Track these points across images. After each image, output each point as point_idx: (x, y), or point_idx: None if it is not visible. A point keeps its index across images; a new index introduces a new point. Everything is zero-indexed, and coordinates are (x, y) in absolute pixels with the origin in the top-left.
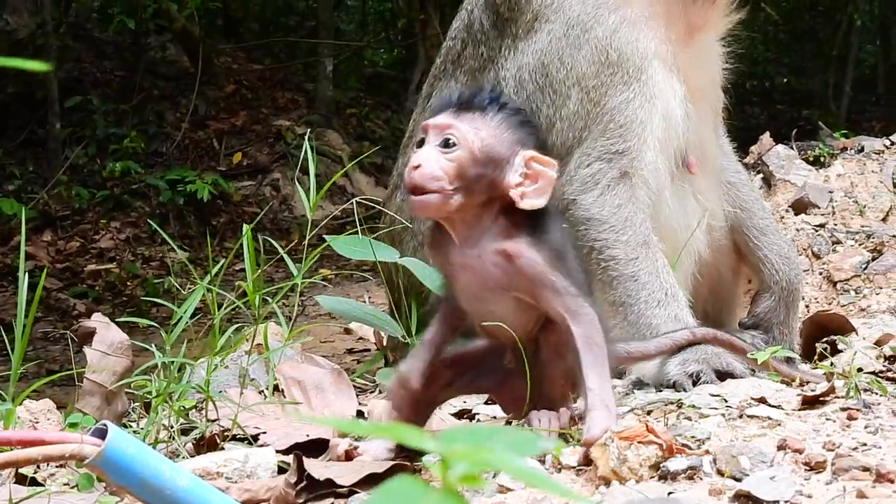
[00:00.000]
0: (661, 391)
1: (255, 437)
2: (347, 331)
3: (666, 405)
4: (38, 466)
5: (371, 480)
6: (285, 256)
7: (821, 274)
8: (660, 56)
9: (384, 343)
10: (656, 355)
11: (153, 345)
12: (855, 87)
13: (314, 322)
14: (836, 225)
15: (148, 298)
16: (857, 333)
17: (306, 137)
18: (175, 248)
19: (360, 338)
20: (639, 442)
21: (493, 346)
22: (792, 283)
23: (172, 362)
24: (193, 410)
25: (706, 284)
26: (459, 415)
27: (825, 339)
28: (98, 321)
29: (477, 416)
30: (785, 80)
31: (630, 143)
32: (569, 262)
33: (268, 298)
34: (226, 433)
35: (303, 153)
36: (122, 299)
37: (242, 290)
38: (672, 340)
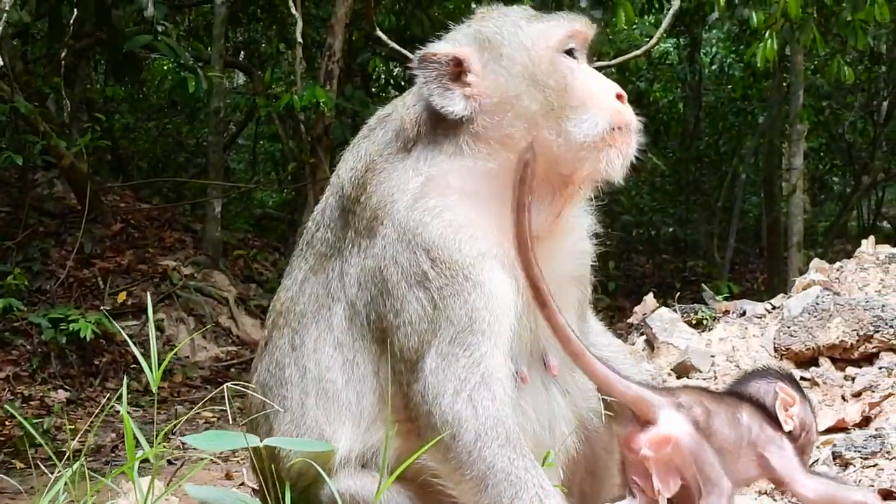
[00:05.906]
0: None
1: None
2: (228, 476)
3: None
4: None
5: None
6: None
7: None
8: (497, 256)
9: None
10: None
11: None
12: (739, 239)
13: (193, 466)
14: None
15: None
16: None
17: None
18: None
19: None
20: None
21: None
22: None
23: None
24: None
25: (582, 464)
26: None
27: None
28: None
29: None
30: (671, 229)
31: (483, 348)
32: None
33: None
34: None
35: None
36: (0, 439)
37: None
38: None
